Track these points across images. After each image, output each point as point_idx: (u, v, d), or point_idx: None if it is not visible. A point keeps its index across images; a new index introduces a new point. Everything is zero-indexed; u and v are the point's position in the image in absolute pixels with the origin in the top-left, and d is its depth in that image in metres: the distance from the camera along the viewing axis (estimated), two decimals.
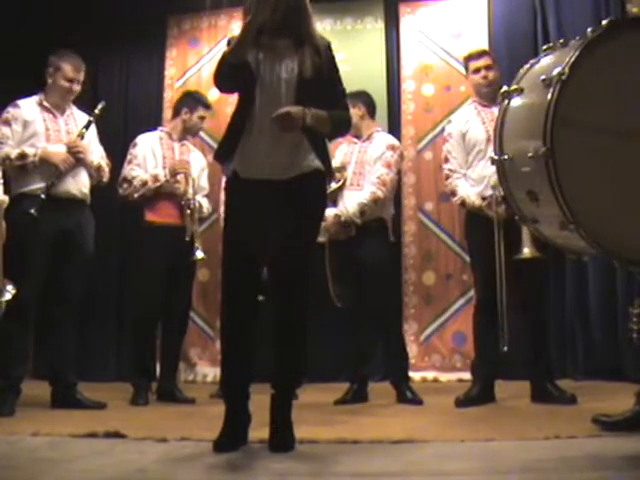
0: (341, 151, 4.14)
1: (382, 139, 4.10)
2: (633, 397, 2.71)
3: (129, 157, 4.14)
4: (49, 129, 3.69)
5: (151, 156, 4.11)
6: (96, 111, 3.82)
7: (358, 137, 4.08)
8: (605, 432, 2.61)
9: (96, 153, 3.87)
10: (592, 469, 2.15)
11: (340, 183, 3.95)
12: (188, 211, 4.06)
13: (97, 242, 3.96)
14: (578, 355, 4.67)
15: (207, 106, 4.27)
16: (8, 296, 3.29)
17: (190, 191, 4.11)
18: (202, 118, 4.25)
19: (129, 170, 4.09)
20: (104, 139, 4.23)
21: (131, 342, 4.18)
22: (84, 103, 3.89)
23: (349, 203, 3.88)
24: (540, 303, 3.75)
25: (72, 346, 3.75)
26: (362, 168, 3.99)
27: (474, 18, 5.12)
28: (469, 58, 3.92)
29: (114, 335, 5.23)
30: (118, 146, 4.88)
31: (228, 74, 2.59)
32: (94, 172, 3.81)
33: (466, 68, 3.97)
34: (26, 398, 3.59)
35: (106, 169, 3.88)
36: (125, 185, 4.07)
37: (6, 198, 3.46)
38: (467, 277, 4.96)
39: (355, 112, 3.97)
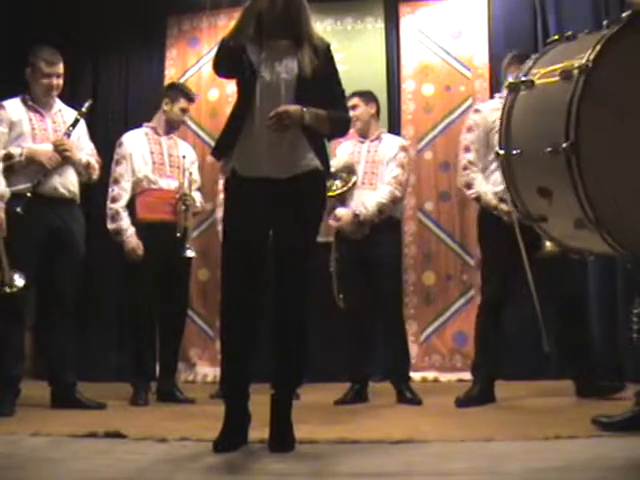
0: (345, 150, 4.11)
1: (393, 140, 4.13)
2: (633, 397, 2.71)
3: (116, 157, 4.07)
4: (35, 128, 3.66)
5: (138, 153, 4.06)
6: (83, 109, 3.78)
7: (364, 137, 4.07)
8: (605, 432, 2.62)
9: (86, 150, 3.84)
10: (592, 469, 2.15)
11: (350, 184, 3.94)
12: (183, 207, 4.02)
13: (95, 241, 3.96)
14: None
15: (189, 97, 4.18)
16: (21, 282, 3.36)
17: (186, 185, 4.07)
18: (184, 110, 4.16)
19: (120, 171, 4.03)
20: (104, 139, 4.23)
21: (131, 342, 4.17)
22: (83, 102, 3.87)
23: (368, 202, 3.86)
24: (573, 300, 3.77)
25: (71, 346, 3.74)
26: (375, 168, 3.98)
27: (474, 18, 5.12)
28: (525, 58, 3.83)
29: (114, 335, 5.22)
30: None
31: (226, 58, 2.58)
32: (83, 170, 3.77)
33: (510, 64, 3.76)
34: (26, 398, 3.58)
35: (96, 166, 3.84)
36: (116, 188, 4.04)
37: (7, 190, 3.46)
38: (467, 277, 4.96)
39: (368, 110, 4.05)
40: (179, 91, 4.19)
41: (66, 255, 3.67)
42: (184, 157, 4.16)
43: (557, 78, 2.08)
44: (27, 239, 3.51)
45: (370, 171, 3.99)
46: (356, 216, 3.85)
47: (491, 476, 2.12)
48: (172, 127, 4.19)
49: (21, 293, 3.45)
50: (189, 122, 5.22)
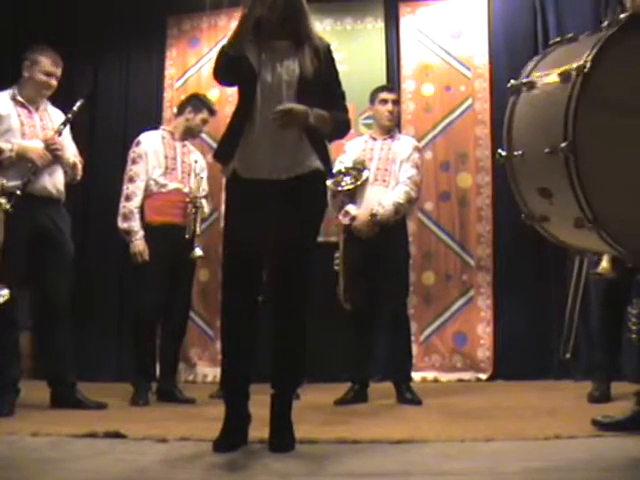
0: (355, 147, 4.08)
1: (406, 140, 4.14)
2: (633, 397, 2.71)
3: (133, 155, 4.08)
4: (24, 124, 3.62)
5: (153, 155, 4.08)
6: (74, 108, 3.76)
7: (386, 134, 4.06)
8: (605, 432, 2.62)
9: (70, 150, 3.82)
10: (592, 469, 2.15)
11: (361, 181, 3.92)
12: (193, 209, 4.05)
13: (95, 241, 3.95)
14: (578, 355, 4.66)
15: (212, 111, 4.24)
16: (6, 294, 3.27)
17: (194, 187, 4.09)
18: (204, 121, 4.21)
19: (136, 170, 4.04)
20: (104, 139, 4.22)
21: (131, 342, 4.17)
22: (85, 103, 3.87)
23: (385, 201, 3.86)
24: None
25: (70, 346, 3.73)
26: (387, 165, 3.97)
27: (474, 18, 5.12)
28: None
29: (114, 335, 5.22)
30: (118, 146, 4.88)
31: (227, 67, 2.58)
32: (69, 170, 3.76)
33: None
34: (26, 398, 3.58)
35: (79, 166, 3.83)
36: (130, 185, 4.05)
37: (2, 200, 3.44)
38: (467, 277, 4.96)
39: (397, 110, 4.15)
40: (203, 103, 4.23)
41: (57, 254, 3.65)
42: (196, 162, 4.20)
43: (556, 79, 2.10)
44: (17, 238, 3.46)
45: (383, 168, 3.97)
46: (373, 215, 3.83)
47: (491, 476, 2.12)
48: (190, 135, 4.24)
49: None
50: None
